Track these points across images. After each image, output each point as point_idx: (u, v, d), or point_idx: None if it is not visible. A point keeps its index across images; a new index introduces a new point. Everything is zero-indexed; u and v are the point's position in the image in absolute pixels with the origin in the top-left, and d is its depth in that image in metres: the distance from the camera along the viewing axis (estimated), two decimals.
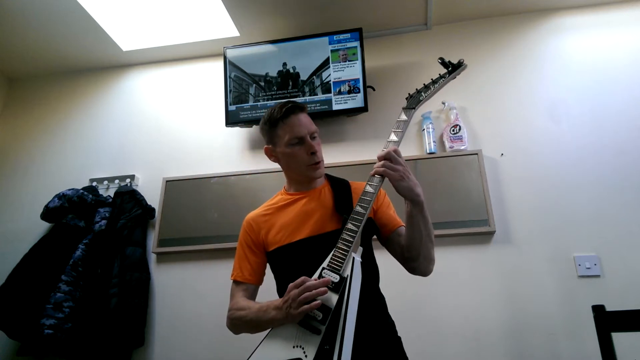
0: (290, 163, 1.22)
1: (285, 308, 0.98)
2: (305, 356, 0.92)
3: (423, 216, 1.08)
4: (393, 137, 1.11)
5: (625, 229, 1.83)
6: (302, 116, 1.20)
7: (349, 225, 1.03)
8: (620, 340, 1.07)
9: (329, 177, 1.30)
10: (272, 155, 1.26)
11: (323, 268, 1.00)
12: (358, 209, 1.04)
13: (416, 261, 1.12)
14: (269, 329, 1.04)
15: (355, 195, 1.18)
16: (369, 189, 1.06)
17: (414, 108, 1.17)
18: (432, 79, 1.21)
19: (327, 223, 1.14)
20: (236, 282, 1.21)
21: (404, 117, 1.15)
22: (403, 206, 1.09)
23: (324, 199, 1.21)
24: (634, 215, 1.85)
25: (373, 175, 1.06)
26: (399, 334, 1.15)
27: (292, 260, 1.13)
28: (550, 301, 1.78)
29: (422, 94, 1.19)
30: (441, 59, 1.21)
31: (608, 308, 1.09)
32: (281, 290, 1.17)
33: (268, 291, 1.23)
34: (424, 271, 1.16)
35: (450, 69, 1.21)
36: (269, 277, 1.23)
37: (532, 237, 1.89)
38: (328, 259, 1.01)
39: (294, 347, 0.95)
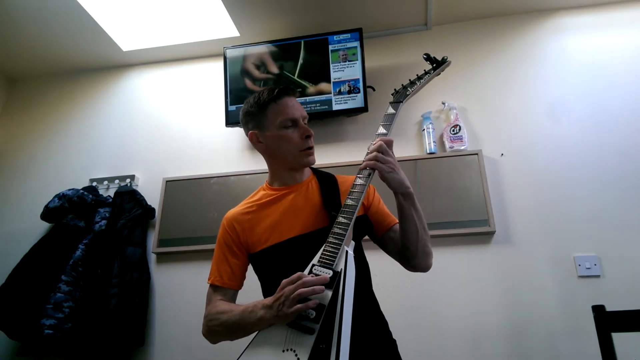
0: (282, 148, 1.14)
1: (277, 306, 0.90)
2: (298, 359, 0.85)
3: (415, 209, 1.06)
4: (382, 130, 1.12)
5: (625, 229, 1.83)
6: (294, 99, 1.16)
7: (340, 219, 0.99)
8: (620, 340, 1.07)
9: (314, 171, 1.24)
10: (258, 141, 1.17)
11: (313, 265, 0.95)
12: (349, 201, 1.01)
13: (415, 257, 1.09)
14: (254, 334, 0.97)
15: (343, 189, 1.15)
16: (358, 181, 1.04)
17: (401, 102, 1.18)
18: (417, 75, 1.25)
19: (316, 220, 1.08)
20: (214, 287, 1.13)
21: (391, 110, 1.16)
22: (394, 203, 1.08)
23: (312, 195, 1.15)
24: (634, 215, 1.85)
25: (364, 169, 1.05)
26: (394, 337, 1.10)
27: (282, 260, 1.06)
28: (550, 301, 1.78)
29: (409, 89, 1.22)
30: (426, 54, 1.26)
31: (608, 308, 1.10)
32: (268, 293, 1.08)
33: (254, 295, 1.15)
34: (425, 266, 1.12)
35: (434, 65, 1.25)
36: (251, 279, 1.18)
37: (532, 237, 1.89)
38: (318, 255, 0.96)
39: (284, 351, 0.88)
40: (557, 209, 1.92)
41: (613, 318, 1.08)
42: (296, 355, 0.86)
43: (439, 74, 1.27)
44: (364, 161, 1.06)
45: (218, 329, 1.05)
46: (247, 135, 1.19)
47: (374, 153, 1.03)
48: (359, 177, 1.05)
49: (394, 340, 1.10)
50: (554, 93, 2.14)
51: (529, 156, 2.04)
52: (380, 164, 1.01)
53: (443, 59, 1.26)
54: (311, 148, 1.14)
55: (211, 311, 1.08)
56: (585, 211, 1.89)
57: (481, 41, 2.35)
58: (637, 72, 2.10)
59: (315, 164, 1.20)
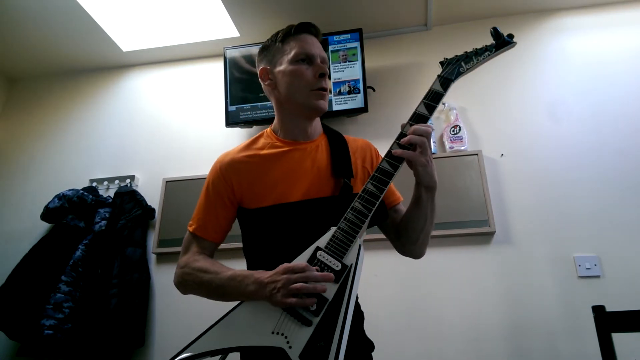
0: (291, 85, 1.02)
1: (271, 290, 0.82)
2: (290, 347, 0.79)
3: (433, 202, 0.97)
4: (423, 110, 0.91)
5: (625, 229, 1.83)
6: (315, 39, 1.06)
7: (358, 206, 0.87)
8: (620, 340, 1.07)
9: (325, 129, 1.14)
10: (267, 78, 1.06)
11: (318, 248, 0.86)
12: (371, 188, 0.87)
13: (414, 245, 1.03)
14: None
15: (353, 153, 1.07)
16: (387, 167, 0.88)
17: (453, 80, 0.94)
18: (475, 49, 0.98)
19: (323, 186, 0.99)
20: (195, 236, 1.04)
21: (439, 88, 0.93)
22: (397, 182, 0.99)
23: (320, 158, 1.04)
24: (634, 215, 1.85)
25: (399, 157, 0.88)
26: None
27: (278, 224, 0.96)
28: (550, 301, 1.78)
29: (463, 64, 0.97)
30: (494, 29, 0.97)
31: (608, 308, 1.10)
32: (252, 253, 1.02)
33: None
34: (418, 254, 1.07)
35: (499, 42, 0.97)
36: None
37: (532, 237, 1.89)
38: (326, 239, 0.86)
39: (273, 332, 0.81)
40: (557, 209, 1.92)
41: (613, 318, 1.08)
42: (288, 342, 0.80)
43: (498, 55, 1.00)
44: (396, 143, 0.90)
45: (194, 286, 0.98)
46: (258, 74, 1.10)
47: (423, 138, 0.88)
48: (388, 161, 0.89)
49: (362, 312, 1.04)
50: (554, 93, 2.14)
51: (529, 156, 2.04)
52: (420, 156, 0.88)
53: (510, 35, 0.97)
54: (325, 90, 1.02)
55: (190, 264, 0.99)
56: (585, 211, 1.89)
57: (481, 41, 2.31)
58: (637, 72, 2.10)
59: None
